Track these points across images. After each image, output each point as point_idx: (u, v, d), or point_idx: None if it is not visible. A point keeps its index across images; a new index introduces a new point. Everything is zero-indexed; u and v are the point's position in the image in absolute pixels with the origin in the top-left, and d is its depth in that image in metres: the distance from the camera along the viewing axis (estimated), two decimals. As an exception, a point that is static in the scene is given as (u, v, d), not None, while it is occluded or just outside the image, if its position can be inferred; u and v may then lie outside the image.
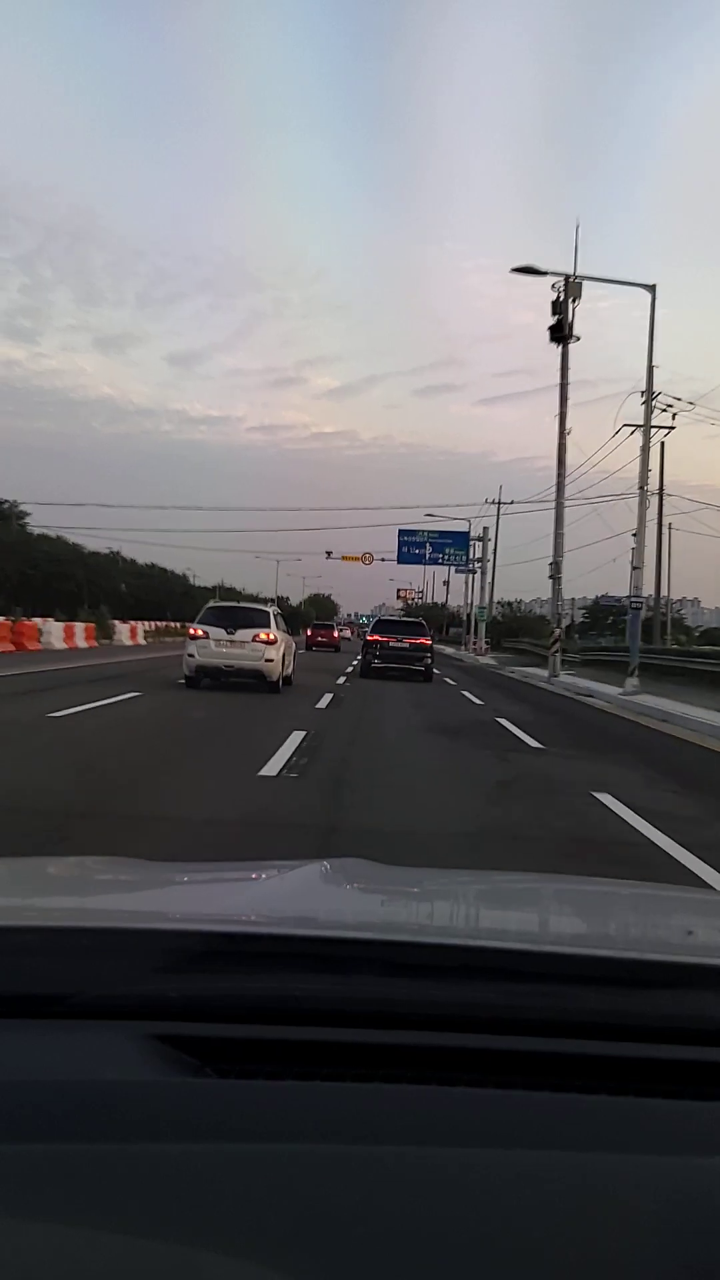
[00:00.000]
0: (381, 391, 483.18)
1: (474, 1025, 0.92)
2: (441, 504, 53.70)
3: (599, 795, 7.47)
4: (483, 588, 51.80)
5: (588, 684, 23.12)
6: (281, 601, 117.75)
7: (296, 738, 9.03)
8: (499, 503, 49.49)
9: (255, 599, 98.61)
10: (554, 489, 27.31)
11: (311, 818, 5.68)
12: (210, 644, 15.02)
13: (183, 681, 15.14)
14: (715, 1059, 0.90)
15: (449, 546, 51.53)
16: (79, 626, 30.14)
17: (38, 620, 27.26)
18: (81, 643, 29.00)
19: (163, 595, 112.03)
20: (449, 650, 61.04)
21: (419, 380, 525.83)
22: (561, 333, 27.13)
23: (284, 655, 15.71)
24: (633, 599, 23.22)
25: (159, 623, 54.94)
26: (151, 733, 9.49)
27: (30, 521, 67.73)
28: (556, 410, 27.28)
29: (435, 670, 23.18)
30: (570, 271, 27.50)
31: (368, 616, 38.80)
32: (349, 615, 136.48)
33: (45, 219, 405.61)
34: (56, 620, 29.08)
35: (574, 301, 27.09)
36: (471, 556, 51.82)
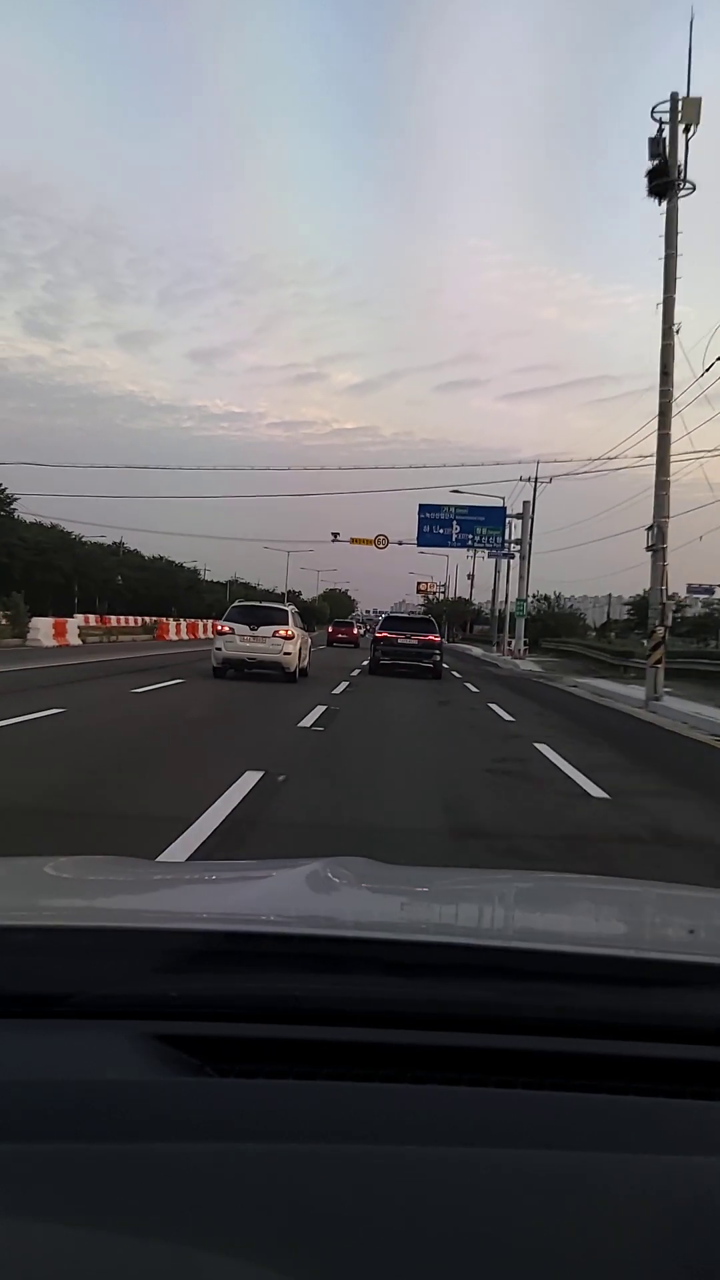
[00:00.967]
0: (403, 387, 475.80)
1: (474, 1024, 0.91)
2: (468, 482, 42.26)
3: None
4: (521, 577, 42.22)
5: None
6: (294, 596, 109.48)
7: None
8: (534, 480, 40.31)
9: (270, 595, 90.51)
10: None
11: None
12: (235, 639, 16.94)
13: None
14: (715, 1058, 0.90)
15: (480, 525, 41.15)
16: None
17: None
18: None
19: (166, 589, 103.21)
20: (476, 651, 52.25)
21: (440, 376, 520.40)
22: (667, 177, 17.98)
23: (301, 649, 17.52)
24: None
25: (125, 618, 46.66)
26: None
27: (22, 509, 62.25)
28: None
29: (469, 685, 20.62)
30: (680, 90, 18.29)
31: (387, 613, 34.65)
32: (367, 611, 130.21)
33: (69, 218, 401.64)
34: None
35: (689, 130, 17.87)
36: (508, 538, 41.85)
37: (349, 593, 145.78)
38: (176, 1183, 0.64)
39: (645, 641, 20.42)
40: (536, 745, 10.18)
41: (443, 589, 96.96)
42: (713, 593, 72.32)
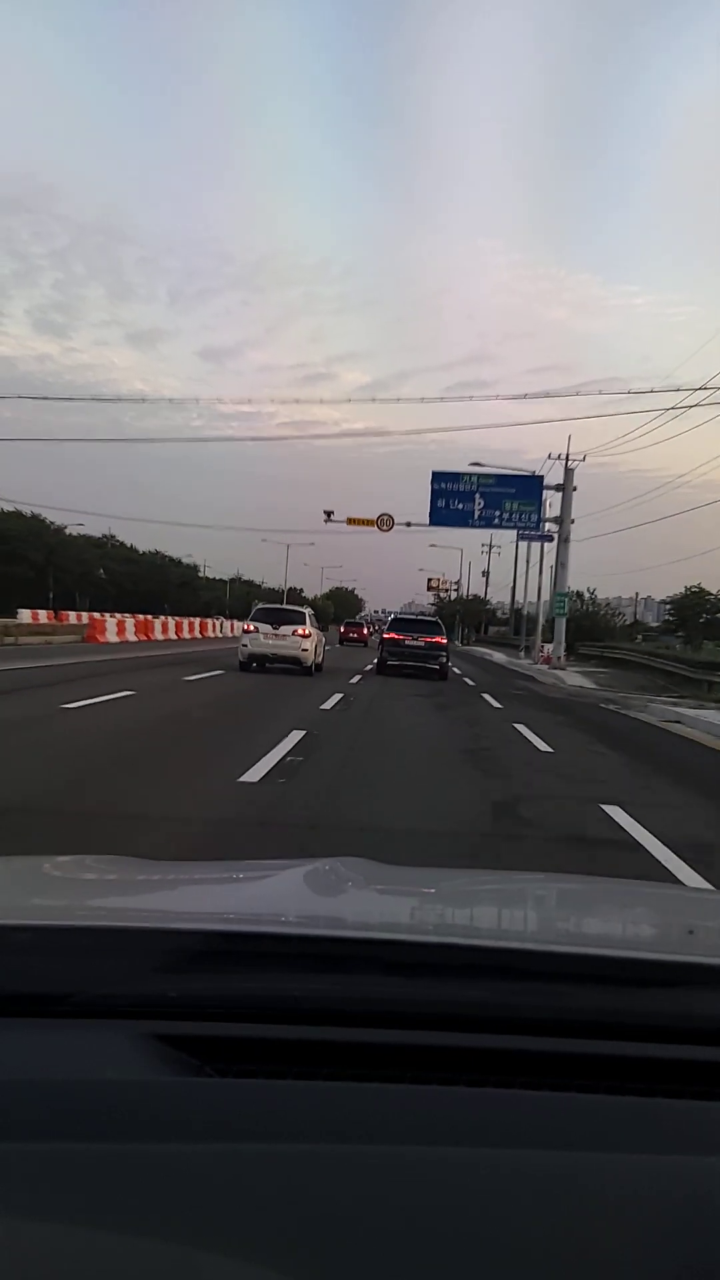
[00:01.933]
0: (412, 387, 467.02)
1: (474, 1025, 0.91)
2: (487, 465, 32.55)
3: None
4: (560, 565, 32.54)
5: None
6: (295, 594, 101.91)
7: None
8: (566, 459, 32.19)
9: (273, 594, 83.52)
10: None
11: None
12: (260, 637, 18.88)
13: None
14: (714, 1059, 0.90)
15: (510, 499, 31.09)
16: None
17: None
18: None
19: (156, 584, 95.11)
20: (498, 656, 44.03)
21: (450, 376, 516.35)
22: None
23: (316, 646, 19.61)
24: None
25: (42, 614, 38.92)
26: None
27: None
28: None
29: (497, 704, 16.25)
30: None
31: (395, 614, 32.52)
32: (375, 611, 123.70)
33: (79, 217, 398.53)
34: None
35: None
36: (544, 515, 32.13)
37: (356, 591, 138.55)
38: (176, 1183, 0.65)
39: None
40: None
41: (455, 586, 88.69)
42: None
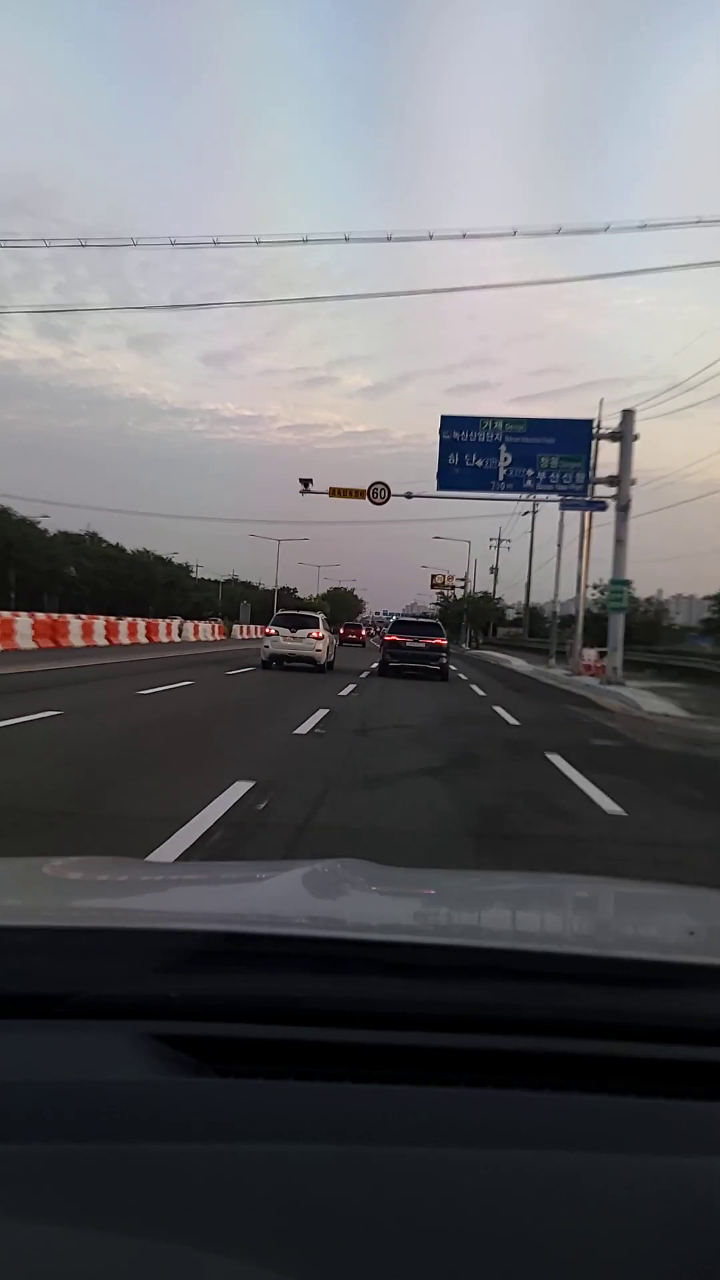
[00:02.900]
0: (414, 390, 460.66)
1: (474, 1025, 0.92)
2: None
3: None
4: (617, 543, 22.22)
5: None
6: (287, 594, 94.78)
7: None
8: (625, 427, 23.63)
9: (270, 594, 77.78)
10: None
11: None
12: (280, 639, 21.52)
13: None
14: (715, 1059, 0.89)
15: (547, 453, 22.49)
16: None
17: None
18: None
19: (138, 584, 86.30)
20: (519, 664, 35.20)
21: (451, 379, 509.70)
22: None
23: (329, 647, 22.52)
24: None
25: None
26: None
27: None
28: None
29: (597, 792, 7.73)
30: None
31: (398, 614, 34.05)
32: (377, 613, 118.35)
33: (82, 220, 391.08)
34: None
35: None
36: (592, 476, 22.77)
37: (355, 591, 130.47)
38: (176, 1183, 0.65)
39: None
40: None
41: (463, 583, 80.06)
42: None
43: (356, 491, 27.62)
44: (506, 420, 23.06)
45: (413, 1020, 0.91)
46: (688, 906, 1.61)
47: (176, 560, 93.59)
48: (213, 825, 5.01)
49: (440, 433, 23.02)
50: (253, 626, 59.45)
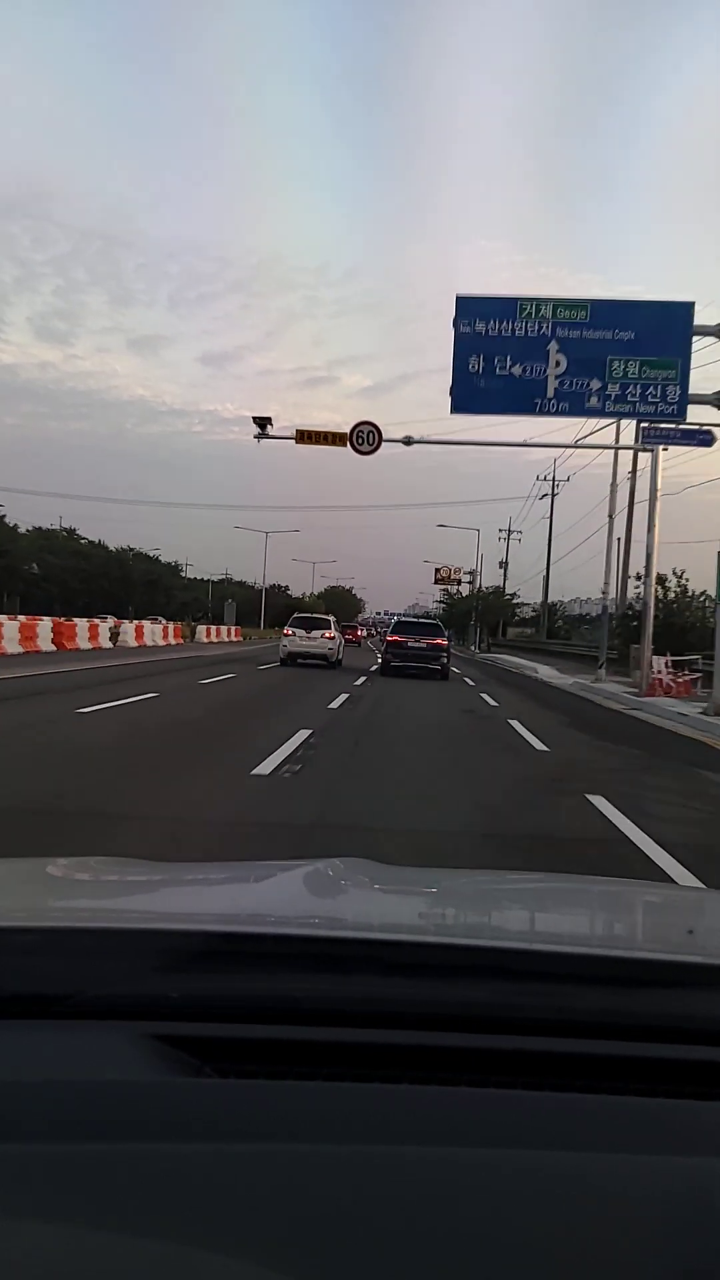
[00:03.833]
0: (414, 389, 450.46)
1: (474, 1025, 0.91)
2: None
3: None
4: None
5: None
6: (277, 591, 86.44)
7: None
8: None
9: (266, 592, 78.29)
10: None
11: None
12: (296, 639, 24.75)
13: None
14: (715, 1059, 0.89)
15: (623, 354, 14.26)
16: None
17: None
18: None
19: (113, 583, 77.07)
20: (547, 674, 28.87)
21: (449, 379, 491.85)
22: None
23: (338, 646, 26.02)
24: None
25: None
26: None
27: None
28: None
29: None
30: None
31: (399, 614, 34.20)
32: (378, 613, 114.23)
33: (79, 223, 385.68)
34: None
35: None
36: (685, 393, 14.71)
37: (354, 590, 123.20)
38: (176, 1183, 0.65)
39: None
40: None
41: (469, 576, 71.66)
42: None
43: (334, 436, 19.89)
44: (559, 303, 14.92)
45: (413, 1020, 0.91)
46: (688, 906, 1.65)
47: (163, 559, 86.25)
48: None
49: (455, 323, 14.99)
50: (233, 629, 50.88)
